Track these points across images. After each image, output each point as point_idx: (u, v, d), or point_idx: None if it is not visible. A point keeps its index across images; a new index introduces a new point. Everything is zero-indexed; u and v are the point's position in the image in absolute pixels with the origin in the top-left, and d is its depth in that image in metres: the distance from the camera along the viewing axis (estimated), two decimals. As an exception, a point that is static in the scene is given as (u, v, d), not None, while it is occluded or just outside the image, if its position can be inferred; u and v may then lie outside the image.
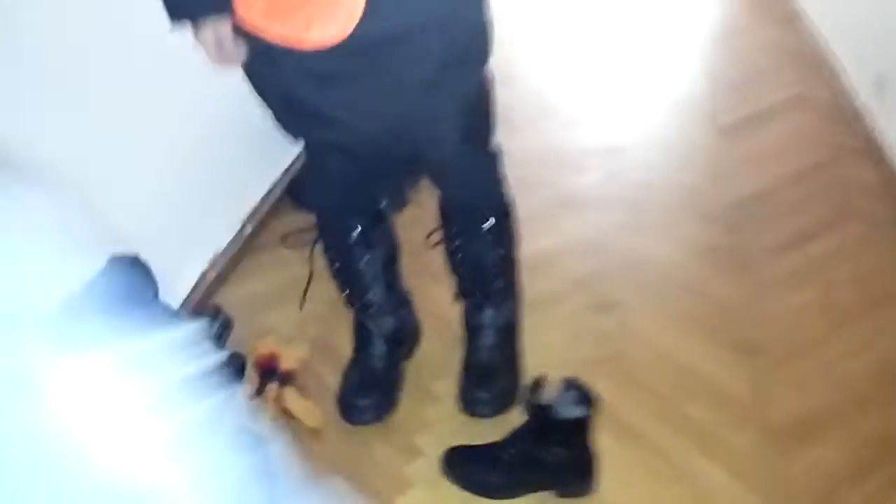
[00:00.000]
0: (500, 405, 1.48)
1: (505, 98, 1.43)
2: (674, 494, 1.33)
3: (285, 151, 2.14)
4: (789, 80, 2.65)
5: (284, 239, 2.03)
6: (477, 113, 1.34)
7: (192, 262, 1.82)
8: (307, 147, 1.43)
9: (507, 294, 1.55)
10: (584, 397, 1.23)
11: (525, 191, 1.88)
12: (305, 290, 1.83)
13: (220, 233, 1.94)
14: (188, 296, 1.77)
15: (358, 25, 1.08)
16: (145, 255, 1.30)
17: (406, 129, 1.25)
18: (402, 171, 1.79)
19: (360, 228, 1.46)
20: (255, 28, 1.13)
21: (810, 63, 2.71)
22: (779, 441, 1.41)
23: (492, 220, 1.46)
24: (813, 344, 1.61)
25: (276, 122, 1.31)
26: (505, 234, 1.50)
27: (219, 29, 1.14)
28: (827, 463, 1.36)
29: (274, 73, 1.20)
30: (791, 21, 3.02)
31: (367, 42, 1.10)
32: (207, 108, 1.82)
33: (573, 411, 1.21)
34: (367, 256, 1.49)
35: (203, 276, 1.83)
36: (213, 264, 1.87)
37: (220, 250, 1.91)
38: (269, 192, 2.13)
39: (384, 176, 1.52)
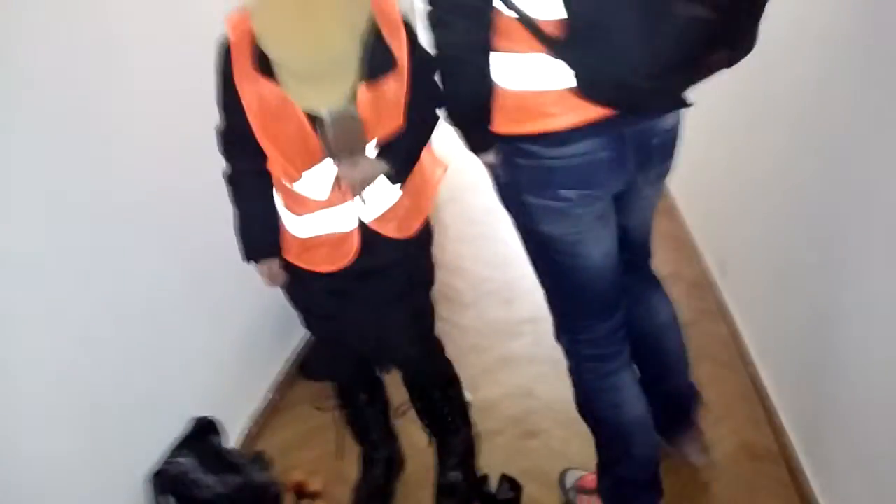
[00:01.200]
0: (463, 504, 2.15)
1: (457, 283, 2.14)
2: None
3: (292, 339, 2.90)
4: (669, 259, 3.54)
5: (316, 402, 2.66)
6: (423, 320, 1.96)
7: (238, 420, 2.52)
8: (323, 342, 2.10)
9: (462, 429, 2.24)
10: (514, 485, 1.95)
11: (474, 353, 2.66)
12: (342, 443, 2.40)
13: (255, 399, 2.65)
14: (239, 444, 2.46)
15: (352, 262, 1.75)
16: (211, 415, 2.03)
17: (382, 330, 1.87)
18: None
19: (364, 395, 2.17)
20: (292, 262, 1.83)
21: (683, 246, 3.63)
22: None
23: (439, 390, 2.13)
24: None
25: (302, 323, 2.03)
26: (452, 394, 2.16)
27: (272, 264, 1.87)
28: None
29: (302, 290, 1.90)
30: (670, 211, 3.99)
31: (358, 271, 1.76)
32: (244, 308, 2.59)
33: (507, 494, 1.93)
34: (370, 410, 2.19)
35: (247, 430, 2.53)
36: (253, 422, 2.57)
37: (258, 411, 2.61)
38: (285, 368, 2.87)
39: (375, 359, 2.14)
